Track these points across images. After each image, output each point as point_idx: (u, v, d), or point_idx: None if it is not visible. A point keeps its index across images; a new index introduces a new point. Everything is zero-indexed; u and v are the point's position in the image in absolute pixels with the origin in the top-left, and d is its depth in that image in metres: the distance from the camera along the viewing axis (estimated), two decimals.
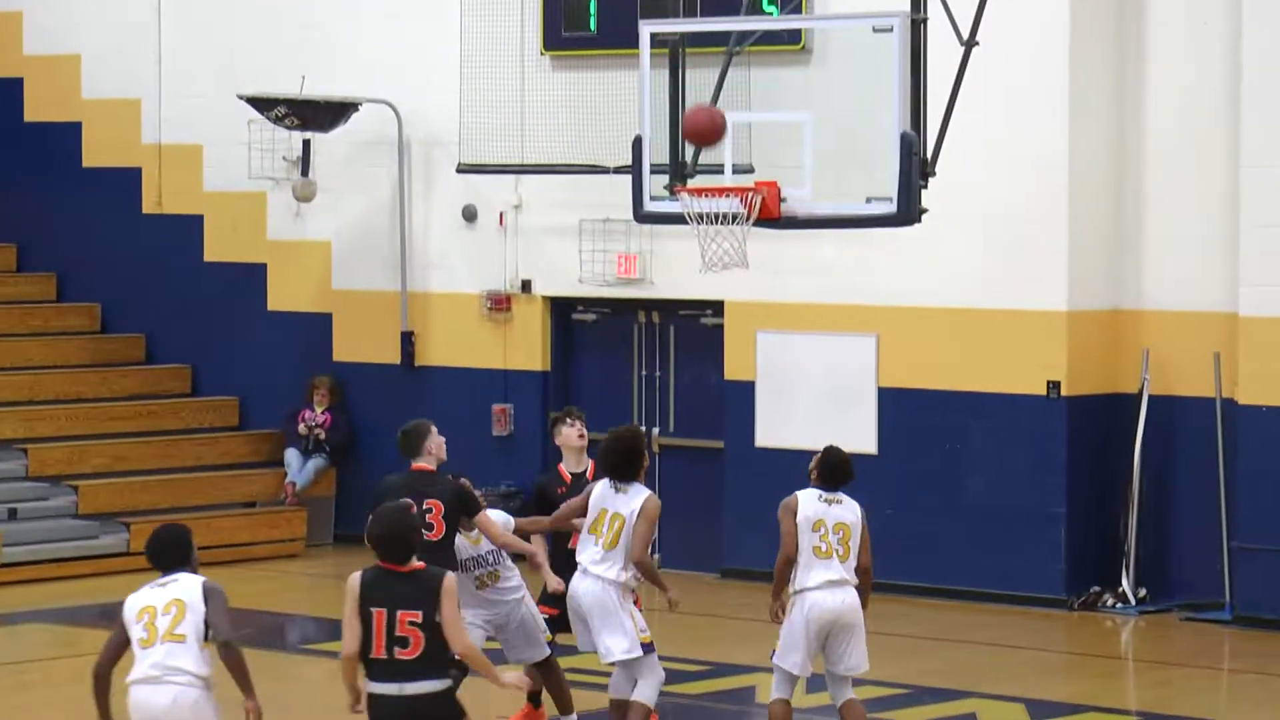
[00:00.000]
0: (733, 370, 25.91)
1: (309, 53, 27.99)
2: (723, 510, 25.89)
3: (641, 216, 20.57)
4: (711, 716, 19.74)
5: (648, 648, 16.46)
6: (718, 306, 25.76)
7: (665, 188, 19.96)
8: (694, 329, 26.52)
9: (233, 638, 12.57)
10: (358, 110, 27.56)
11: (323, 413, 28.23)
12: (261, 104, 27.32)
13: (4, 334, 29.40)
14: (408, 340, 28.22)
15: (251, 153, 28.29)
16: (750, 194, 19.36)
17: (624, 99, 22.11)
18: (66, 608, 24.38)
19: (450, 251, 27.86)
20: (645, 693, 16.33)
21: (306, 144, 28.02)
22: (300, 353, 28.65)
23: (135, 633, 12.62)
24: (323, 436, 28.16)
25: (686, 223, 19.80)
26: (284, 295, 29.12)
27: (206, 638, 12.49)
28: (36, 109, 30.80)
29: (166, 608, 12.61)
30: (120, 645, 12.72)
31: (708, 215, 19.69)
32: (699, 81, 20.29)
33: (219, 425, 29.39)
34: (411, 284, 28.14)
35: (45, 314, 30.25)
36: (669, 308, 26.62)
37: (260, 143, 28.16)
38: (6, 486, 27.09)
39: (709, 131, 18.34)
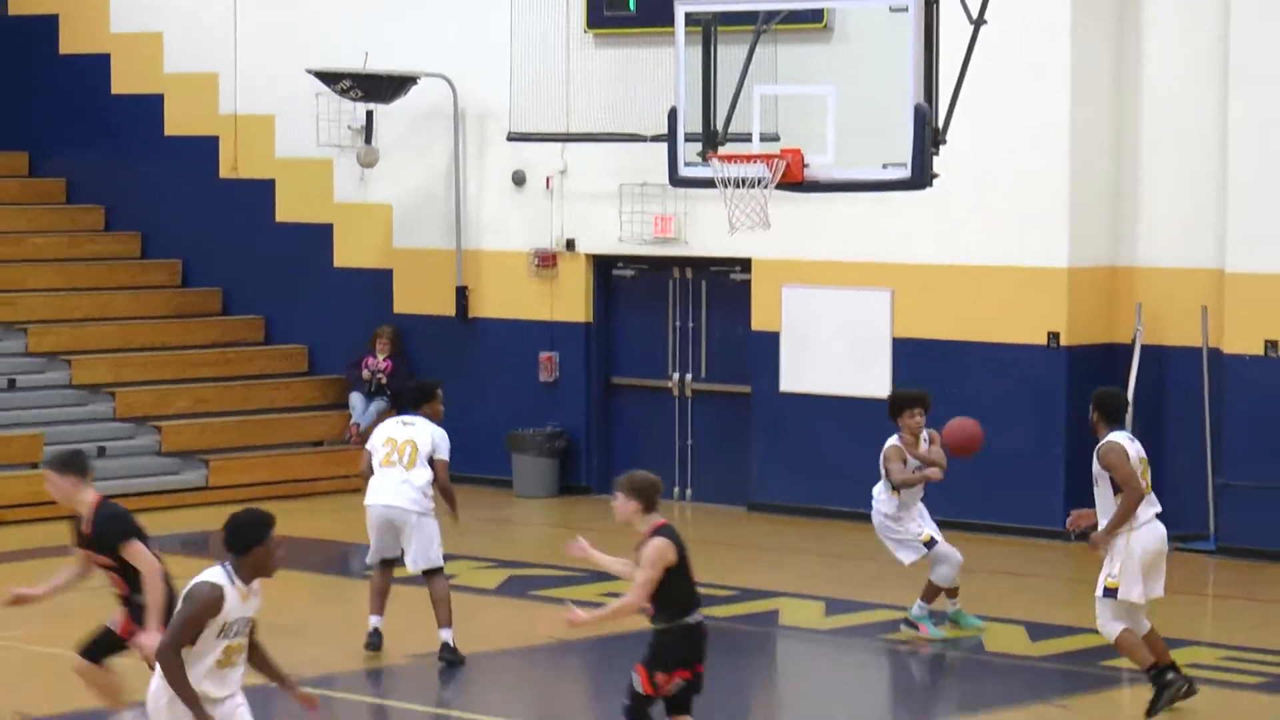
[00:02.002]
0: (759, 322, 25.91)
1: (372, 30, 28.05)
2: (750, 449, 25.92)
3: (676, 181, 20.61)
4: (741, 637, 19.77)
5: None
6: (746, 264, 25.75)
7: (698, 154, 19.99)
8: (724, 284, 26.52)
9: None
10: (416, 84, 27.60)
11: (384, 360, 28.29)
12: (328, 78, 27.38)
13: (94, 288, 29.53)
14: (462, 294, 28.26)
15: (319, 123, 28.31)
16: (776, 160, 19.38)
17: (661, 73, 22.06)
18: (150, 537, 24.40)
19: (501, 213, 27.89)
20: None
21: (369, 115, 28.08)
22: (364, 305, 28.70)
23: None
24: (384, 381, 28.22)
25: (717, 187, 19.85)
26: (349, 253, 29.18)
27: None
28: (123, 82, 30.84)
29: None
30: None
31: (737, 179, 19.72)
32: (729, 57, 20.29)
33: (290, 371, 29.47)
34: (465, 243, 28.17)
35: (131, 270, 30.36)
36: (701, 265, 26.64)
37: (327, 114, 28.19)
38: (97, 426, 27.26)
39: (971, 444, 19.14)
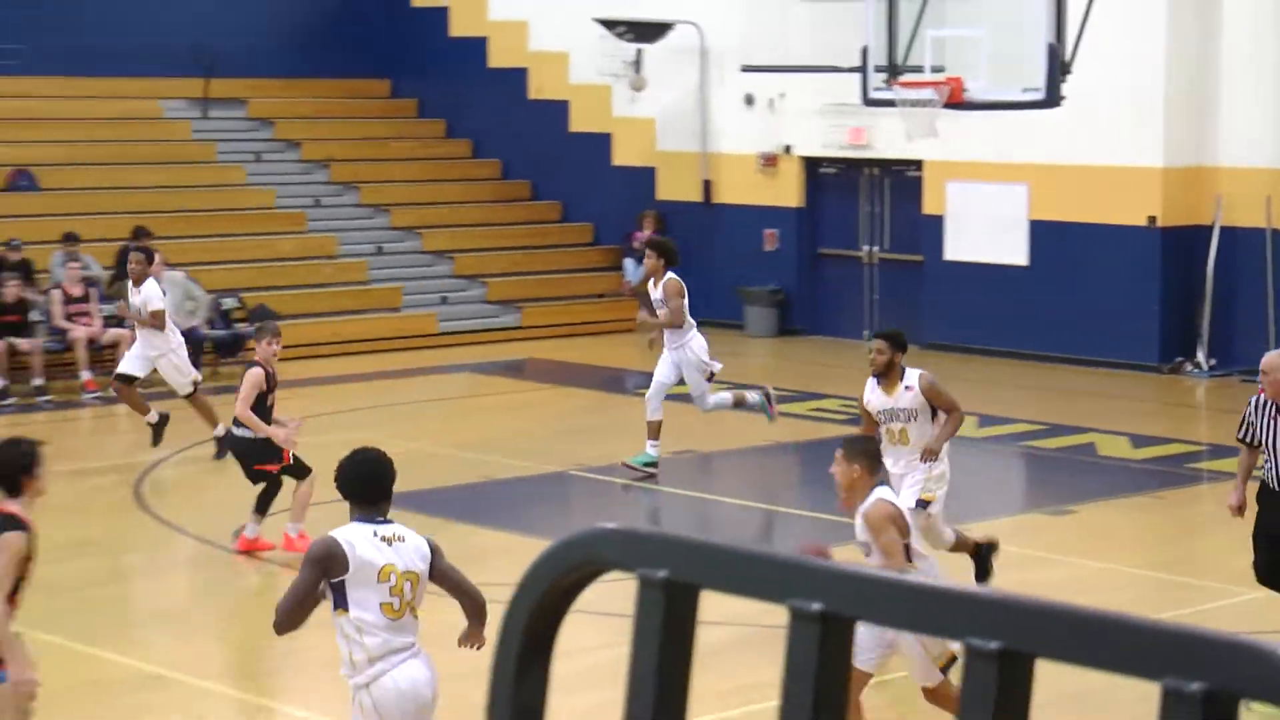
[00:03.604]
0: (928, 208, 25.88)
1: None
2: (921, 302, 25.97)
3: (867, 101, 20.72)
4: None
5: None
6: (918, 164, 25.69)
7: (883, 81, 20.05)
8: (902, 179, 26.49)
9: None
10: (673, 28, 27.70)
11: (650, 233, 28.54)
12: (609, 24, 27.56)
13: (437, 179, 29.92)
14: (706, 186, 28.40)
15: (601, 58, 28.49)
16: (942, 86, 19.42)
17: (855, 19, 22.08)
18: (480, 363, 24.95)
19: (735, 125, 27.95)
20: None
21: (639, 52, 28.23)
22: (634, 194, 28.89)
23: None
24: None
25: (897, 106, 19.92)
26: (623, 154, 29.37)
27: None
28: (459, 27, 31.12)
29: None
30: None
31: (913, 100, 19.79)
32: (909, 8, 20.33)
33: (580, 242, 29.75)
34: (709, 147, 28.29)
35: (464, 166, 30.71)
36: (884, 165, 26.61)
37: (606, 50, 28.34)
38: (440, 281, 27.72)
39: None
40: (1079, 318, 24.15)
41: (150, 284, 18.63)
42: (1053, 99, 19.47)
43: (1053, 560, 14.36)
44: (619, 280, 28.63)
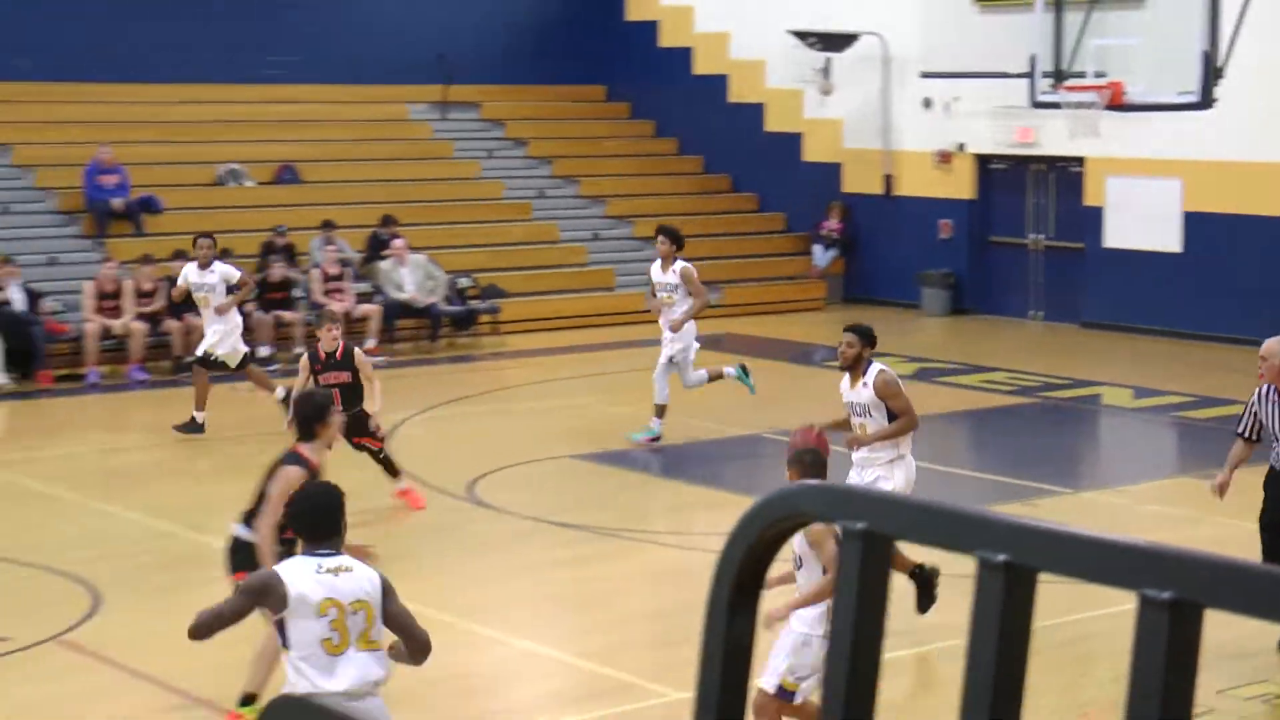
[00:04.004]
0: (1089, 200, 25.44)
1: (831, 2, 28.05)
2: (1082, 286, 25.58)
3: (1034, 104, 20.43)
4: (1072, 412, 19.66)
5: None
6: (1080, 161, 25.28)
7: (1049, 86, 19.76)
8: (1065, 175, 26.05)
9: None
10: (859, 38, 27.52)
11: (836, 222, 28.42)
12: (801, 35, 27.46)
13: (645, 173, 29.93)
14: (888, 180, 28.17)
15: (794, 65, 28.39)
16: (1103, 90, 19.10)
17: (1023, 29, 21.79)
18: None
19: (914, 125, 27.68)
20: None
21: (828, 60, 28.07)
22: (822, 186, 28.76)
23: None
24: (836, 237, 28.36)
25: (1062, 108, 19.61)
26: (813, 151, 29.20)
27: None
28: (668, 39, 31.16)
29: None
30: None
31: (1076, 103, 19.48)
32: (1073, 18, 20.02)
33: (773, 229, 29.63)
34: (890, 145, 28.03)
35: (669, 162, 30.62)
36: (1049, 161, 26.18)
37: (799, 59, 28.23)
38: (647, 265, 27.77)
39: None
40: (1227, 300, 23.62)
41: (220, 265, 18.18)
42: (1206, 101, 19.10)
43: (1203, 520, 14.07)
44: (808, 264, 28.53)
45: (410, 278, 23.84)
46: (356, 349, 14.07)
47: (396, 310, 23.59)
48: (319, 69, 28.36)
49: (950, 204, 27.35)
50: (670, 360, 17.03)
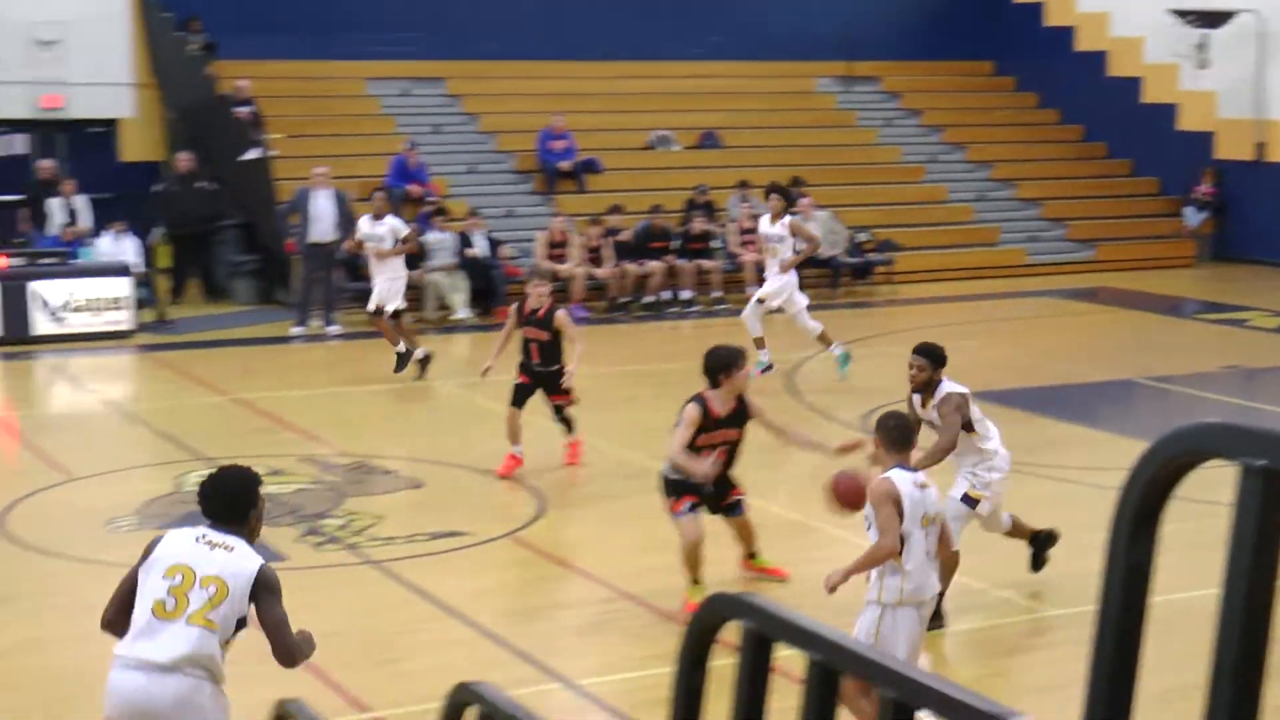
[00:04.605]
0: None
1: None
2: None
3: None
4: None
5: None
6: None
7: None
8: None
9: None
10: (1235, 15, 26.21)
11: (1209, 186, 27.24)
12: (1181, 13, 26.39)
13: (1029, 141, 29.18)
14: (1260, 148, 26.79)
15: (1172, 41, 27.25)
16: None
17: None
18: (1060, 289, 24.31)
19: None
20: None
21: (1204, 36, 26.85)
22: (1195, 154, 27.55)
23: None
24: (1208, 200, 27.18)
25: None
26: (1187, 121, 27.95)
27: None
28: (1052, 18, 30.32)
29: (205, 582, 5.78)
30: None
31: None
32: None
33: (1147, 192, 28.49)
34: (1262, 114, 26.68)
35: (1052, 131, 29.69)
36: None
37: (1176, 35, 27.07)
38: (1031, 222, 27.07)
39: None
40: None
41: (392, 218, 17.54)
42: None
43: None
44: (1179, 224, 27.42)
45: (815, 231, 23.82)
46: (560, 310, 12.94)
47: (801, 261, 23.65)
48: (737, 47, 28.61)
49: None
50: (759, 301, 16.77)
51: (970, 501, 9.44)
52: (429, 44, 26.72)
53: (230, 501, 5.89)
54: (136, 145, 25.21)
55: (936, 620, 8.64)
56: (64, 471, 13.13)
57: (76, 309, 19.70)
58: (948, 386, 9.36)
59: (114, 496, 12.21)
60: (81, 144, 24.96)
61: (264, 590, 5.78)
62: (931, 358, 9.38)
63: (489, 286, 21.84)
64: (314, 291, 20.46)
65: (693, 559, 9.49)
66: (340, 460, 13.50)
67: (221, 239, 23.01)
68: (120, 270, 20.16)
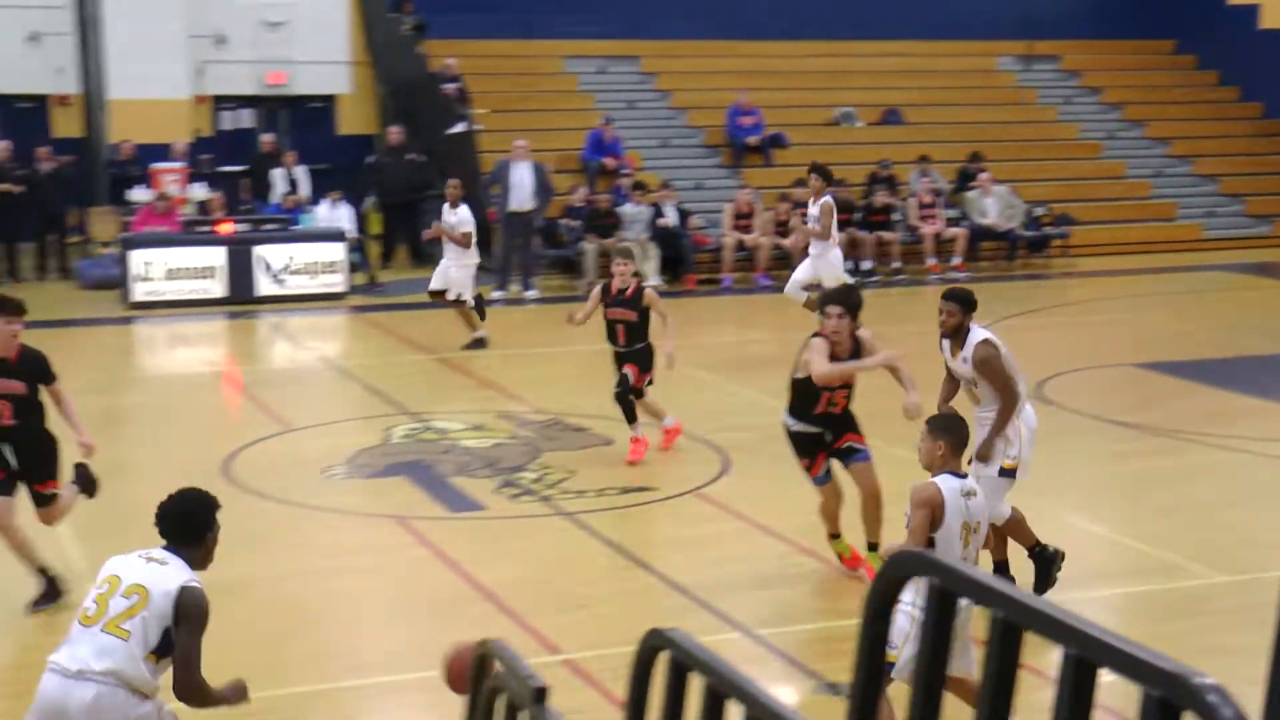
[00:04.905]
0: None
1: None
2: None
3: None
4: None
5: None
6: None
7: None
8: None
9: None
10: None
11: None
12: None
13: (1207, 118, 28.31)
14: None
15: None
16: None
17: None
18: (1236, 263, 23.58)
19: None
20: None
21: None
22: None
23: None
24: None
25: None
26: None
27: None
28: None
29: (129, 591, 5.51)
30: None
31: None
32: None
33: None
34: None
35: (1231, 108, 28.79)
36: None
37: None
38: (1208, 198, 26.30)
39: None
40: None
41: (464, 207, 16.69)
42: None
43: None
44: None
45: (993, 206, 23.50)
46: (648, 289, 12.12)
47: (980, 234, 23.39)
48: (920, 27, 28.22)
49: None
50: (799, 285, 16.35)
51: (1008, 473, 8.71)
52: (624, 24, 26.79)
53: (183, 522, 5.58)
54: (352, 119, 25.73)
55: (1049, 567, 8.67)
56: (283, 423, 13.45)
57: (295, 272, 20.19)
58: (978, 334, 8.70)
59: (327, 447, 12.48)
60: (302, 118, 25.58)
61: (182, 614, 5.42)
62: (963, 302, 8.69)
63: (678, 255, 21.91)
64: (513, 257, 20.69)
65: (833, 517, 9.38)
66: (536, 417, 13.63)
67: (429, 208, 23.38)
68: (336, 236, 20.61)
